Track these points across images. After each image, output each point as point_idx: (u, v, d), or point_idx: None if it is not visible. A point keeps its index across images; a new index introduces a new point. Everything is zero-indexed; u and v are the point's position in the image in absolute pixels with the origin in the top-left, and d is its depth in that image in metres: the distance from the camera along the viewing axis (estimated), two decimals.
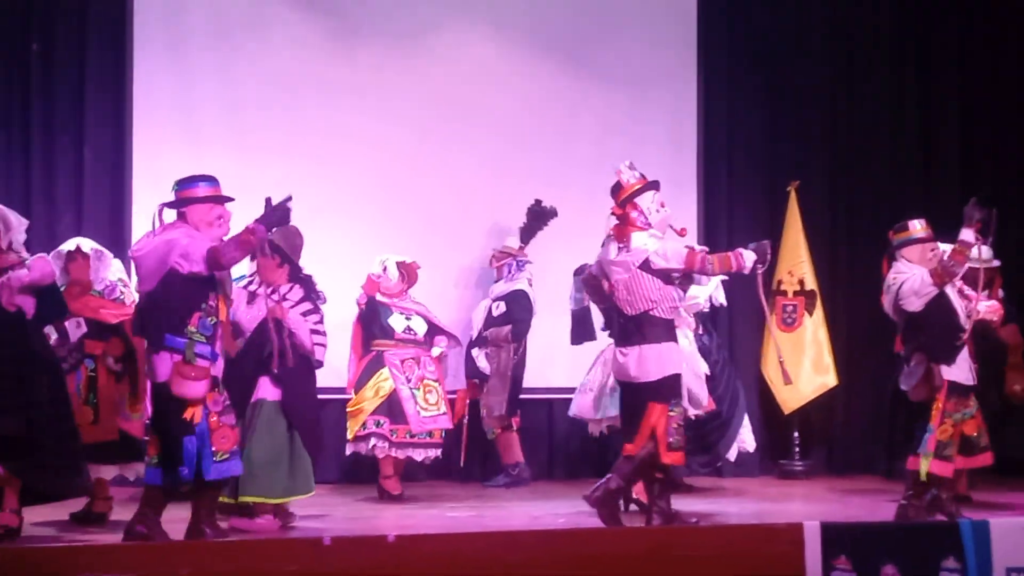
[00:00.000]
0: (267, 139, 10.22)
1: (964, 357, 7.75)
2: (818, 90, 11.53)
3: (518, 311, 9.92)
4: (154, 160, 10.01)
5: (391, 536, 6.16)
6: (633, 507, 8.28)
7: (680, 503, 8.65)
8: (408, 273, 9.58)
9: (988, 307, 8.51)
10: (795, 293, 10.68)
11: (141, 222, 9.90)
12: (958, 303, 7.77)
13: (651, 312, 7.27)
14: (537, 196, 10.41)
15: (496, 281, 10.21)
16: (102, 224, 9.89)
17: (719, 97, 11.31)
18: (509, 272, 10.12)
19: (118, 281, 8.05)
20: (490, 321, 10.01)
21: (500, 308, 10.01)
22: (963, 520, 6.81)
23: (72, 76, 10.06)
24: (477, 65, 10.81)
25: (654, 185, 7.59)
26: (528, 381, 10.13)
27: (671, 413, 7.25)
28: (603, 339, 8.98)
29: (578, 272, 8.64)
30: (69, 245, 7.94)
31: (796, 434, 10.77)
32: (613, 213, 7.54)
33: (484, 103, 10.77)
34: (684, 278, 7.49)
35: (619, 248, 7.45)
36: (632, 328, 7.34)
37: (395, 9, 10.71)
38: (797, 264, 10.70)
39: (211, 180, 6.96)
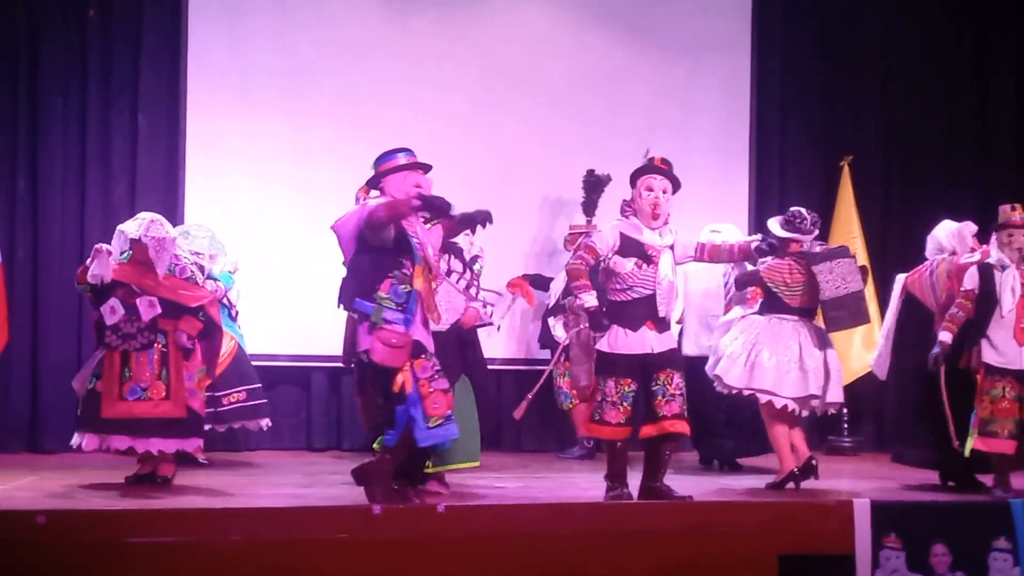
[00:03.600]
0: (319, 105, 10.24)
1: (1006, 339, 7.76)
2: (873, 62, 11.44)
3: (597, 282, 9.91)
4: (207, 125, 10.06)
5: (441, 506, 6.20)
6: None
7: (729, 479, 8.68)
8: None
9: None
10: None
11: (194, 188, 9.99)
12: (1007, 290, 7.79)
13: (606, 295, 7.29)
14: (587, 166, 10.37)
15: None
16: (156, 190, 9.94)
17: (773, 68, 11.24)
18: None
19: (185, 260, 8.06)
20: (569, 291, 10.02)
21: None
22: (1015, 500, 6.78)
23: (128, 42, 10.09)
24: (530, 33, 10.79)
25: (639, 171, 7.32)
26: None
27: (600, 387, 7.16)
28: None
29: None
30: (133, 231, 7.89)
31: (845, 410, 10.71)
32: None
33: (536, 71, 10.74)
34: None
35: None
36: None
37: None
38: (849, 240, 10.60)
39: (405, 151, 6.96)
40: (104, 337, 7.63)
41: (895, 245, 11.25)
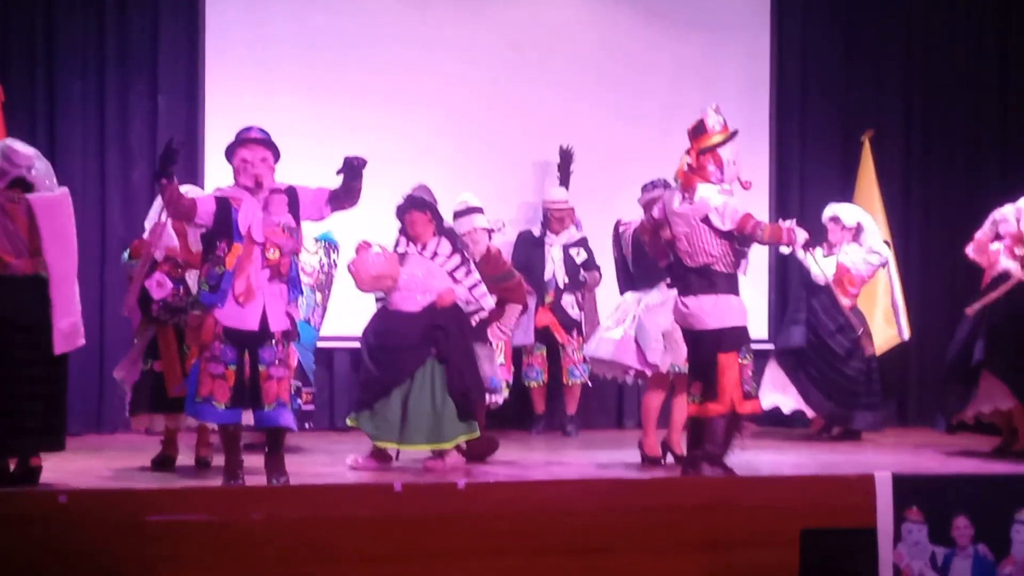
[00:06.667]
0: (340, 81, 10.23)
1: None
2: (894, 37, 11.35)
3: (593, 259, 9.95)
4: (227, 104, 9.98)
5: (461, 483, 6.20)
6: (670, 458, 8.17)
7: (750, 454, 8.67)
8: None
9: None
10: None
11: (214, 168, 9.98)
12: None
13: (712, 266, 7.15)
14: (608, 142, 10.39)
15: (553, 234, 10.14)
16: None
17: (793, 43, 11.18)
18: (580, 223, 10.20)
19: None
20: (575, 267, 9.99)
21: (581, 255, 10.01)
22: None
23: (146, 22, 10.04)
24: (552, 7, 10.80)
25: (730, 138, 7.27)
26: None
27: (742, 362, 7.12)
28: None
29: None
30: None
31: None
32: (688, 158, 7.26)
33: (558, 45, 10.71)
34: (742, 239, 7.24)
35: (683, 198, 7.27)
36: (693, 279, 7.20)
37: None
38: (870, 214, 10.56)
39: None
40: (152, 312, 7.58)
41: (916, 220, 11.20)
